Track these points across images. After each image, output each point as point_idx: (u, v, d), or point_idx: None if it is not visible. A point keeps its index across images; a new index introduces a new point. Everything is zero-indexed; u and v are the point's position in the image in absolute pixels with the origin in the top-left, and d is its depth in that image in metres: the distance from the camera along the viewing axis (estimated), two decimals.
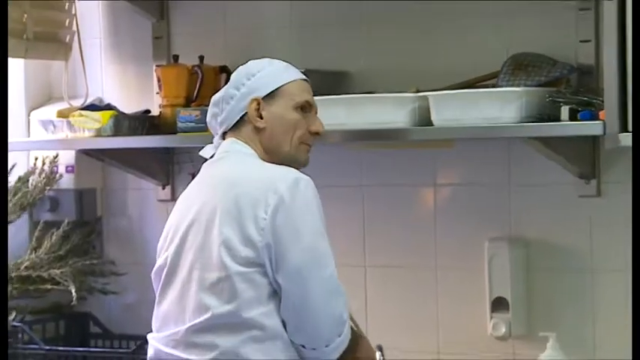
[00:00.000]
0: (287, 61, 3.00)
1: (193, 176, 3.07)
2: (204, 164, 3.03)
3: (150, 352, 2.95)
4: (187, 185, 3.07)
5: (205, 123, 3.53)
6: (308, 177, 2.83)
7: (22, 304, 3.97)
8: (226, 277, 2.75)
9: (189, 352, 2.80)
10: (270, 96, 2.91)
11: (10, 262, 3.94)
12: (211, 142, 3.08)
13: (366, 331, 3.18)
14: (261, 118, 2.90)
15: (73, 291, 3.86)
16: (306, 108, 2.95)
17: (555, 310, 3.56)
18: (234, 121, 2.95)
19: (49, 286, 3.92)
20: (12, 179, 4.05)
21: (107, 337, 4.01)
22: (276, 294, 2.78)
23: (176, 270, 2.89)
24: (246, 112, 2.92)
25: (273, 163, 2.91)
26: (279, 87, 2.94)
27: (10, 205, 4.00)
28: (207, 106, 3.54)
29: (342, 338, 2.82)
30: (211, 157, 3.04)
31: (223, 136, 3.01)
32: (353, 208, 3.76)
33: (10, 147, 3.92)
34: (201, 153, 3.08)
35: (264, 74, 2.96)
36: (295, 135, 2.93)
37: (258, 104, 2.89)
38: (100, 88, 4.12)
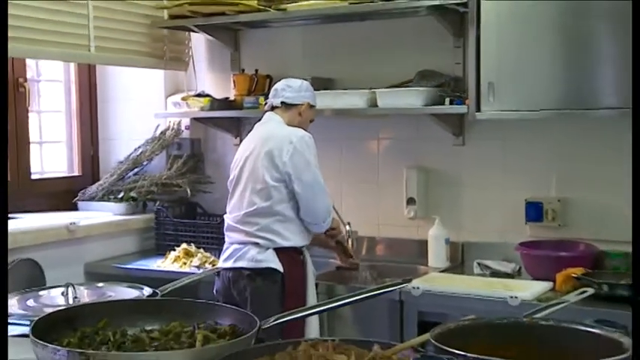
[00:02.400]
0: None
1: (249, 132, 3.14)
2: (255, 125, 3.11)
3: (225, 224, 3.06)
4: (246, 136, 3.15)
5: (258, 104, 3.62)
6: (310, 134, 2.94)
7: (163, 198, 3.96)
8: (266, 187, 2.87)
9: (244, 226, 2.93)
10: (311, 105, 3.02)
11: (155, 176, 3.95)
12: (261, 116, 3.14)
13: (342, 213, 3.29)
14: (304, 111, 3.02)
15: (189, 191, 3.91)
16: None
17: (441, 205, 3.57)
18: (291, 103, 3.01)
19: (176, 189, 3.94)
20: (157, 133, 4.03)
21: (205, 215, 4.00)
22: (292, 197, 2.89)
23: (239, 181, 3.00)
24: (296, 104, 3.00)
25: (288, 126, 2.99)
26: (315, 105, 3.10)
27: (156, 146, 3.99)
28: (260, 96, 3.65)
29: (330, 217, 2.98)
30: (259, 121, 3.11)
31: (276, 105, 3.04)
32: (335, 150, 3.74)
33: (156, 115, 4.01)
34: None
35: (312, 94, 3.08)
36: (309, 124, 3.03)
37: (309, 105, 3.01)
38: (203, 85, 4.07)
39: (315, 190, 2.91)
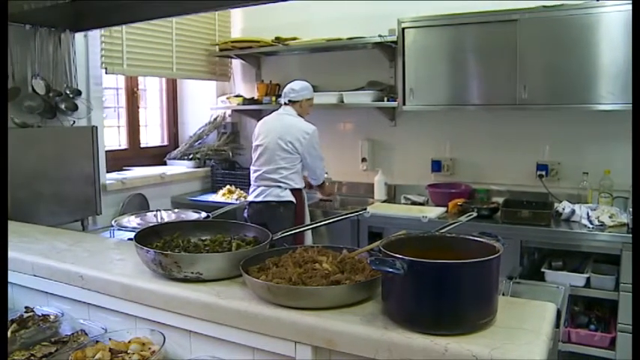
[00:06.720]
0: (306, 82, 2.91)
1: (266, 115, 2.92)
2: (273, 113, 2.90)
3: (255, 174, 2.85)
4: (263, 118, 2.93)
5: (271, 101, 3.43)
6: (315, 126, 2.76)
7: (215, 158, 3.79)
8: (286, 155, 2.71)
9: (273, 175, 2.76)
10: (307, 99, 2.81)
11: (211, 145, 3.79)
12: (277, 108, 2.94)
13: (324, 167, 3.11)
14: (303, 104, 2.81)
15: (230, 153, 3.73)
16: (312, 105, 2.85)
17: (382, 162, 3.44)
18: (294, 100, 2.81)
19: (223, 152, 3.79)
20: (212, 119, 3.87)
21: (240, 168, 3.82)
22: (300, 162, 2.73)
23: (267, 148, 2.79)
24: (298, 100, 2.80)
25: (299, 117, 2.81)
26: (312, 97, 2.85)
27: (211, 127, 3.84)
28: (273, 96, 3.46)
29: (323, 177, 2.81)
30: (275, 110, 2.91)
31: (285, 102, 2.84)
32: (319, 129, 3.37)
33: (211, 108, 3.80)
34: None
35: (308, 91, 2.82)
36: (309, 113, 2.84)
37: (306, 100, 2.80)
38: (239, 90, 3.90)
39: (315, 161, 2.79)
